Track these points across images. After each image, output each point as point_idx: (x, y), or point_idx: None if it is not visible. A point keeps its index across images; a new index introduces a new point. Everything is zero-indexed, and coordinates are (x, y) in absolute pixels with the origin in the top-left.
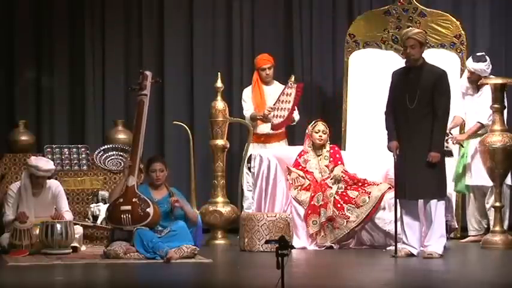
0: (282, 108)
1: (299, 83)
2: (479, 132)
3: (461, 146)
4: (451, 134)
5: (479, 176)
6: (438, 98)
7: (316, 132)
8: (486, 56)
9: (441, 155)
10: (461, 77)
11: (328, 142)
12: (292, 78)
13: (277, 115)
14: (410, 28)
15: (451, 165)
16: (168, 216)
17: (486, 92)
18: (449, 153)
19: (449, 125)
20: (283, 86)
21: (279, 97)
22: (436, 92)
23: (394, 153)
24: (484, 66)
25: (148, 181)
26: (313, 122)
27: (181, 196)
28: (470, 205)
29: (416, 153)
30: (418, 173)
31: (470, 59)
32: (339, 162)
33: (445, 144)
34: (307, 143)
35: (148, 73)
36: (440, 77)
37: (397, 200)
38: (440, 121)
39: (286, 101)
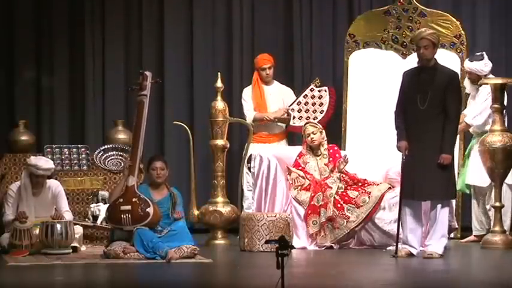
0: (308, 110)
1: (330, 87)
2: (477, 131)
3: None
4: None
5: (475, 175)
6: (450, 100)
7: (308, 135)
8: (484, 55)
9: (452, 156)
10: (464, 77)
11: (325, 139)
12: (317, 81)
13: (300, 116)
14: (424, 28)
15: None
16: (168, 217)
17: (482, 92)
18: None
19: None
20: (284, 87)
21: (297, 99)
22: (448, 93)
23: (403, 153)
24: (480, 65)
25: (148, 181)
26: (303, 125)
27: (180, 200)
28: (473, 205)
29: (426, 154)
30: (428, 174)
31: (467, 59)
32: None
33: None
34: (304, 146)
35: (148, 73)
36: (452, 79)
37: (401, 200)
38: (452, 122)
39: (315, 103)
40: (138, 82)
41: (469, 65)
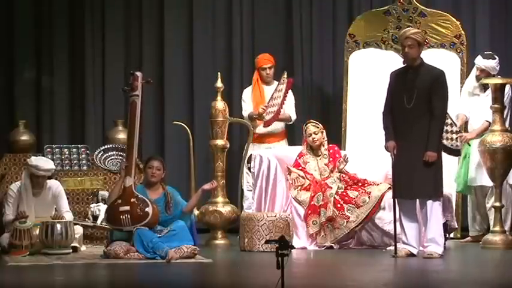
0: (273, 105)
1: (289, 78)
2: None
3: (469, 144)
4: (461, 132)
5: (480, 175)
6: (435, 98)
7: (309, 136)
8: (495, 55)
9: (438, 154)
10: (464, 77)
11: (326, 139)
12: (285, 75)
13: (269, 112)
14: (409, 28)
15: (453, 165)
16: (164, 215)
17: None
18: (457, 153)
19: (458, 124)
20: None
21: (272, 94)
22: (433, 92)
23: (392, 153)
24: (494, 64)
25: (144, 181)
26: (304, 125)
27: (176, 194)
28: (471, 206)
29: (413, 152)
30: (415, 172)
31: (479, 56)
32: None
33: (456, 142)
34: (304, 146)
35: (138, 74)
36: (438, 77)
37: (396, 200)
38: (437, 121)
39: (277, 97)
40: (129, 83)
41: (484, 62)
